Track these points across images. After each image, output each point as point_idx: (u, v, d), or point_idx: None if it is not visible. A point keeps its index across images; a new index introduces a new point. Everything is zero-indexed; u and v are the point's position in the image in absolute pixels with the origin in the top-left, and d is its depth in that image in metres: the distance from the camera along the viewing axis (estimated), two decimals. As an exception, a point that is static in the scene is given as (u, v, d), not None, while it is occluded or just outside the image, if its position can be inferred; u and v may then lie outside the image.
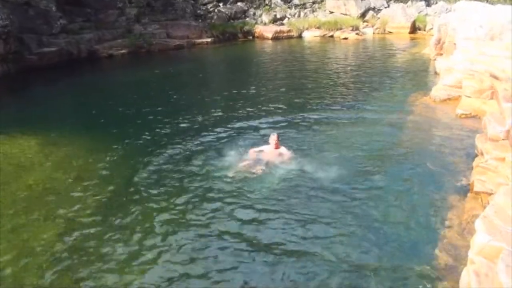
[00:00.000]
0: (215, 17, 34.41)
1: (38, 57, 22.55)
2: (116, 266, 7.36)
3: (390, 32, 36.48)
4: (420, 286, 6.70)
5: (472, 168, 9.97)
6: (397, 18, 36.78)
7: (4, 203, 9.25)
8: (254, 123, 14.25)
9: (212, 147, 12.24)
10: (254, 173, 10.48)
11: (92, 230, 8.35)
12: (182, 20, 32.24)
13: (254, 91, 18.56)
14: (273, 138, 11.36)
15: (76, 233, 8.26)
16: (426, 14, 37.50)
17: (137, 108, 15.99)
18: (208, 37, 31.96)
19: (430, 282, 6.79)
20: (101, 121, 14.86)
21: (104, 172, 10.80)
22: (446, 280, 6.75)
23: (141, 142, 12.75)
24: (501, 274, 4.80)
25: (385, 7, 38.49)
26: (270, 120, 14.52)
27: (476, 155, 10.33)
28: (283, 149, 11.39)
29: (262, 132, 13.27)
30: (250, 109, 15.68)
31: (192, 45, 30.51)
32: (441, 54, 23.33)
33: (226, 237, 8.13)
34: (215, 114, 15.29)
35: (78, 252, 7.72)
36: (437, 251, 7.52)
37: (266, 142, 11.59)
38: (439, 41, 24.41)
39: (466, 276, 5.33)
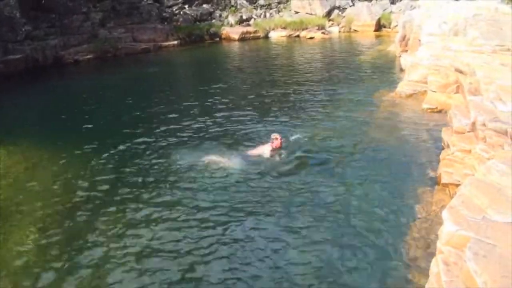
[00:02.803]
0: (180, 19, 34.27)
1: (4, 65, 22.25)
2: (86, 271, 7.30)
3: (356, 31, 36.77)
4: (390, 278, 6.77)
5: (439, 160, 10.09)
6: (362, 17, 37.09)
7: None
8: (224, 124, 14.27)
9: (185, 148, 12.27)
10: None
11: (59, 237, 8.28)
12: (147, 23, 31.98)
13: (223, 92, 18.48)
14: (275, 137, 11.41)
15: (43, 241, 8.17)
16: (391, 12, 37.90)
17: (105, 114, 15.88)
18: (174, 39, 31.80)
19: (400, 273, 6.87)
20: (70, 127, 14.59)
21: (73, 179, 10.65)
22: (416, 270, 6.84)
23: (110, 147, 12.57)
24: (469, 262, 4.84)
25: (350, 6, 38.83)
26: (241, 121, 14.52)
27: (443, 148, 10.47)
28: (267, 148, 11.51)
29: (236, 132, 13.43)
30: (220, 111, 15.71)
31: (158, 48, 30.33)
32: (406, 51, 23.54)
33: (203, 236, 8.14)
34: (185, 117, 15.17)
35: (44, 258, 7.66)
36: (406, 243, 7.61)
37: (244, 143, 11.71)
38: (404, 38, 24.65)
39: (435, 265, 5.37)
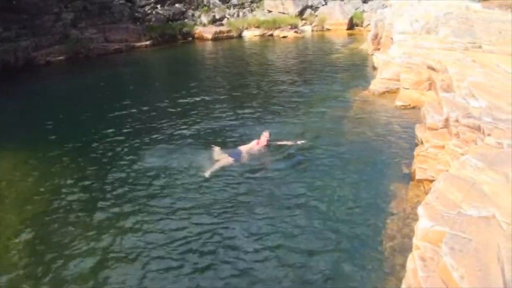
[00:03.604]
0: (153, 19, 34.04)
1: (-25, 68, 21.78)
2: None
3: (329, 29, 36.95)
4: (367, 275, 6.79)
5: (413, 157, 10.15)
6: (334, 15, 37.31)
7: None
8: (196, 124, 14.22)
9: (159, 147, 12.28)
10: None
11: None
12: (119, 24, 31.69)
13: (197, 92, 18.38)
14: (265, 135, 11.58)
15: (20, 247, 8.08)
16: (363, 11, 38.17)
17: (78, 115, 15.63)
18: (147, 40, 31.54)
19: (377, 269, 6.90)
20: (44, 130, 14.22)
21: (50, 182, 10.50)
22: (393, 267, 6.87)
23: (83, 148, 12.53)
24: (446, 257, 4.88)
25: (323, 5, 39.01)
26: (214, 121, 14.50)
27: (417, 144, 10.54)
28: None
29: (210, 131, 13.44)
30: (194, 110, 15.67)
31: (131, 48, 30.04)
32: (379, 49, 23.73)
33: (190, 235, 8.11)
34: (159, 117, 15.08)
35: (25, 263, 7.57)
36: (382, 239, 7.64)
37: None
38: (376, 36, 24.85)
39: (412, 261, 5.39)
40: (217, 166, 10.79)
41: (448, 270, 4.77)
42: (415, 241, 5.66)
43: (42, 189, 10.17)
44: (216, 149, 11.51)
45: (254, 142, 11.67)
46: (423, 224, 5.63)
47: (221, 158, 11.11)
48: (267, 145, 11.50)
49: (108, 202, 9.48)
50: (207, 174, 10.43)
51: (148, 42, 31.36)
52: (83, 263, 7.46)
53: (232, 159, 11.00)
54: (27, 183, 10.58)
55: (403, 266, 5.86)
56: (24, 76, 22.66)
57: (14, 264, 7.49)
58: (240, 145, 11.82)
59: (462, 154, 8.27)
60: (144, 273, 7.15)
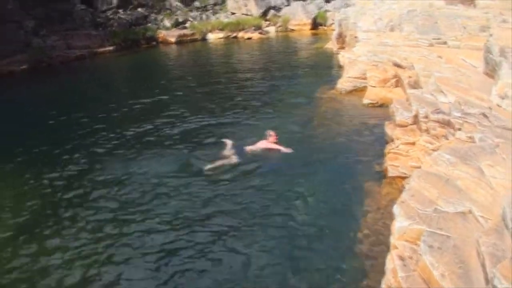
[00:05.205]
0: (115, 24, 33.61)
1: None
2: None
3: (293, 30, 37.12)
4: (345, 276, 6.73)
5: (384, 154, 10.15)
6: (298, 16, 37.51)
7: None
8: (167, 129, 14.03)
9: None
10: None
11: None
12: (81, 30, 31.25)
13: (162, 96, 18.17)
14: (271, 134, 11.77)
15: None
16: (326, 10, 38.37)
17: (46, 124, 15.28)
18: (110, 45, 31.16)
19: (354, 270, 6.83)
20: (8, 142, 13.72)
21: (16, 196, 10.21)
22: (370, 267, 6.80)
23: (57, 159, 12.18)
24: (425, 255, 4.84)
25: (286, 6, 39.11)
26: (182, 125, 14.32)
27: (387, 142, 10.54)
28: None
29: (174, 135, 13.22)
30: (160, 114, 15.43)
31: (94, 54, 29.59)
32: (343, 48, 23.83)
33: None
34: (125, 122, 14.83)
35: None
36: (357, 239, 7.58)
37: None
38: (340, 35, 24.97)
39: (391, 261, 5.34)
40: (219, 163, 10.93)
41: (428, 269, 4.74)
42: (392, 240, 5.62)
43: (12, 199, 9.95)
44: (228, 143, 11.70)
45: (262, 142, 11.71)
46: (399, 223, 5.60)
47: (228, 155, 11.23)
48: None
49: (95, 210, 9.30)
50: (208, 167, 10.66)
51: (111, 48, 30.99)
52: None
53: (237, 160, 11.04)
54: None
55: (381, 265, 5.80)
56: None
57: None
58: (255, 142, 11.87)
59: (433, 150, 8.30)
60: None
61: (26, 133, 14.57)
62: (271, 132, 11.77)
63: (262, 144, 11.67)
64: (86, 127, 14.69)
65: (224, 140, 11.96)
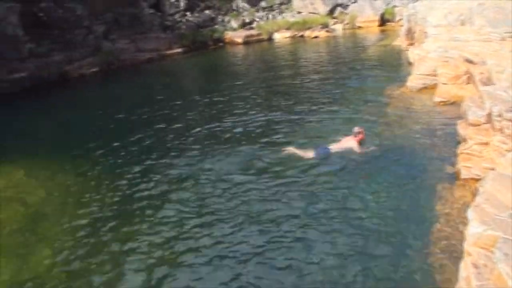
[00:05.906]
0: (183, 27, 34.06)
1: (10, 84, 21.92)
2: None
3: (360, 27, 36.49)
4: (415, 282, 6.54)
5: (456, 155, 9.83)
6: (365, 12, 36.89)
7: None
8: (240, 127, 14.19)
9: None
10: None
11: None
12: (150, 33, 31.79)
13: (232, 96, 18.28)
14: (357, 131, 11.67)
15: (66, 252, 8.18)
16: (394, 6, 37.61)
17: (121, 124, 15.78)
18: (178, 47, 31.52)
19: (425, 276, 6.62)
20: (86, 141, 14.07)
21: (97, 191, 10.57)
22: (442, 273, 6.58)
23: (137, 155, 12.58)
24: (500, 264, 4.63)
25: (353, 2, 38.47)
26: (256, 122, 14.45)
27: (460, 142, 10.22)
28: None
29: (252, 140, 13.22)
30: (233, 113, 15.62)
31: (162, 57, 30.01)
32: (413, 44, 23.32)
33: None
34: (192, 122, 15.04)
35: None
36: (430, 244, 7.36)
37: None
38: (409, 31, 24.44)
39: (465, 269, 5.15)
40: (299, 152, 11.23)
41: (504, 279, 4.52)
42: (466, 246, 5.41)
43: (86, 198, 10.30)
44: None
45: (348, 139, 11.61)
46: (474, 229, 5.39)
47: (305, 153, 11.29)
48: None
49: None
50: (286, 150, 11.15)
51: (179, 50, 31.36)
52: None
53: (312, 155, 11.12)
54: (66, 190, 10.75)
55: (453, 272, 5.60)
56: (59, 90, 22.74)
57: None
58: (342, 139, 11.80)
59: (508, 151, 7.98)
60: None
61: (98, 132, 15.13)
62: (360, 129, 11.59)
63: (347, 143, 11.50)
64: (155, 125, 15.05)
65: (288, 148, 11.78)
